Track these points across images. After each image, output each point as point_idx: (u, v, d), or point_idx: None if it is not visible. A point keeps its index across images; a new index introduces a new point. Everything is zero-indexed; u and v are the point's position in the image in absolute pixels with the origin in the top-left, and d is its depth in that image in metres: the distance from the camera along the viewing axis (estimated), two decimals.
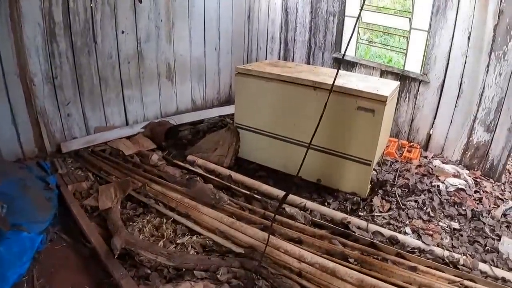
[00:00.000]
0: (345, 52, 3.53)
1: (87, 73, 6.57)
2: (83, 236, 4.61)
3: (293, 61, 8.62)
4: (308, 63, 8.38)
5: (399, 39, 8.19)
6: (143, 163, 6.02)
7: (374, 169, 5.88)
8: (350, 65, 7.68)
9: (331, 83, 5.02)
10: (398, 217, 5.05)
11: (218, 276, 3.84)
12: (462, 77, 6.35)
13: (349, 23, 7.68)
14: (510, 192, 5.88)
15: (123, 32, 6.80)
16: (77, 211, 4.86)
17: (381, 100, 4.82)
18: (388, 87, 5.13)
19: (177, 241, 4.48)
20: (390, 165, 6.30)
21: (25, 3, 5.65)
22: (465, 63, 6.25)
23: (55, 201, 5.05)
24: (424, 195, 5.53)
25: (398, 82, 5.79)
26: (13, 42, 5.66)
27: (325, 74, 5.61)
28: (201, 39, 8.10)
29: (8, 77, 5.73)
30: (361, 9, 5.37)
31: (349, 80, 5.41)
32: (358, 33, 7.87)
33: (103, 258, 4.16)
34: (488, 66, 5.94)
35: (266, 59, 8.98)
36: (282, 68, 5.87)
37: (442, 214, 5.18)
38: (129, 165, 5.95)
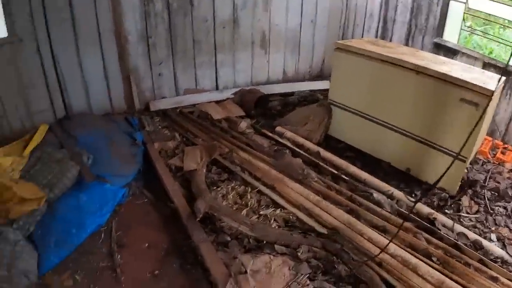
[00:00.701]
0: None
1: (181, 34, 6.45)
2: (165, 195, 4.51)
3: (391, 41, 8.13)
4: (406, 45, 7.86)
5: (499, 29, 7.43)
6: (230, 129, 5.83)
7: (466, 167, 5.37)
8: (451, 53, 7.06)
9: (435, 69, 4.65)
10: (484, 221, 4.53)
11: (299, 253, 3.63)
12: None
13: (454, 7, 7.09)
14: None
15: None
16: (161, 169, 4.77)
17: (487, 94, 4.25)
18: (493, 81, 4.56)
19: (260, 212, 4.26)
20: (482, 165, 5.70)
21: None
22: None
23: (140, 157, 5.03)
24: None
25: (504, 77, 5.19)
26: (110, 0, 5.65)
27: (428, 59, 5.09)
28: (298, 10, 7.76)
29: (104, 34, 5.77)
30: None
31: (453, 68, 4.89)
32: (464, 19, 7.25)
33: (184, 219, 4.03)
34: None
35: (362, 37, 8.56)
36: (383, 48, 5.44)
37: None
38: (217, 129, 5.78)
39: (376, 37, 8.36)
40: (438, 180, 3.20)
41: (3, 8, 5.18)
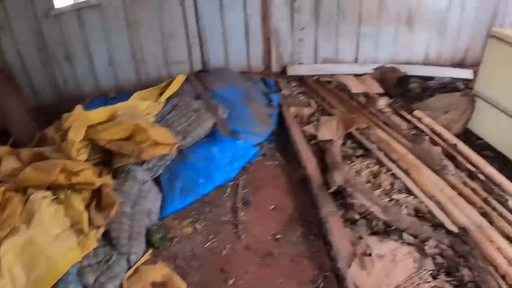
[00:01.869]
0: None
1: (327, 1, 6.19)
2: (296, 160, 4.36)
3: None
4: None
5: None
6: (368, 105, 5.53)
7: None
8: None
9: None
10: None
11: (426, 247, 3.32)
12: None
13: None
14: None
15: None
16: (296, 134, 4.62)
17: None
18: None
19: (393, 196, 3.95)
20: None
21: None
22: None
23: (275, 119, 4.95)
24: None
25: None
26: None
27: None
28: None
29: None
30: None
31: None
32: None
33: (314, 188, 3.84)
34: None
35: None
36: None
37: None
38: (354, 103, 5.50)
39: None
40: None
41: None
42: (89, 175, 3.86)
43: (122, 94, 5.64)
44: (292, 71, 6.21)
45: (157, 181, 4.17)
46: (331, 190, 3.74)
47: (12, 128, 5.11)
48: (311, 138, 4.70)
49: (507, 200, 3.97)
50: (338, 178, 3.77)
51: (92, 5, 5.50)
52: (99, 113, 4.52)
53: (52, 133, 4.72)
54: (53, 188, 3.88)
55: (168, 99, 5.13)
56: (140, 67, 5.94)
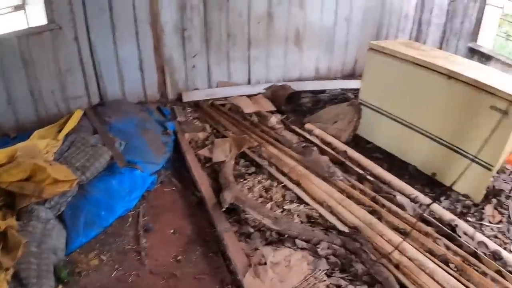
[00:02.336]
0: None
1: (216, 28, 6.54)
2: (193, 184, 4.62)
3: (424, 44, 8.05)
4: (440, 48, 7.77)
5: None
6: (260, 124, 5.88)
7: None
8: (486, 58, 6.97)
9: (467, 75, 4.56)
10: (506, 232, 4.42)
11: (318, 249, 3.66)
12: None
13: (490, 12, 6.98)
14: None
15: None
16: (191, 159, 4.87)
17: None
18: None
19: (284, 207, 4.32)
20: (509, 175, 5.59)
21: None
22: None
23: (171, 146, 5.15)
24: None
25: None
26: None
27: (462, 64, 5.01)
28: (333, 8, 7.70)
29: (140, 24, 5.93)
30: None
31: (486, 74, 4.82)
32: (499, 25, 7.12)
33: (209, 208, 4.13)
34: None
35: (397, 37, 8.50)
36: (417, 51, 5.37)
37: None
38: (247, 123, 5.85)
39: (410, 38, 8.31)
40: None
41: None
42: None
43: (23, 133, 5.65)
44: (187, 97, 6.45)
45: (60, 218, 4.24)
46: (223, 208, 4.03)
47: None
48: (206, 161, 4.97)
49: (395, 196, 4.41)
50: (228, 197, 4.06)
51: None
52: None
53: None
54: None
55: (67, 135, 5.17)
56: (39, 104, 5.91)
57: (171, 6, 6.08)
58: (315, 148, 5.33)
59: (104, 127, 5.30)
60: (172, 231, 4.13)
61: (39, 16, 5.65)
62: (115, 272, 3.77)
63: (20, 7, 5.81)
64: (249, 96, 6.71)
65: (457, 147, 4.76)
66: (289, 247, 3.71)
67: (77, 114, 5.59)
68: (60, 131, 5.34)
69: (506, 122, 4.21)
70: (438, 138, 4.87)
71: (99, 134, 5.14)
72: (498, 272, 3.68)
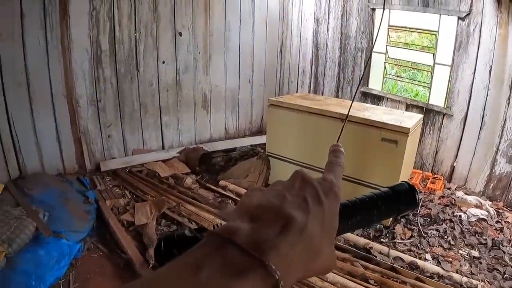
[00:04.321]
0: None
1: (128, 98, 6.92)
2: (118, 247, 4.83)
3: (322, 94, 8.78)
4: (337, 96, 8.49)
5: (426, 74, 8.35)
6: (177, 185, 6.23)
7: None
8: (377, 99, 7.83)
9: (358, 115, 5.32)
10: (419, 244, 5.12)
11: None
12: (484, 109, 6.41)
13: (377, 58, 7.95)
14: None
15: (163, 62, 7.15)
16: (114, 224, 5.08)
17: (404, 132, 4.97)
18: (411, 120, 5.29)
19: None
20: None
21: (74, 30, 6.12)
22: (487, 96, 6.34)
23: (93, 214, 5.33)
24: (446, 224, 5.54)
25: (421, 115, 5.93)
26: (63, 66, 6.12)
27: (352, 107, 5.79)
28: (235, 71, 8.40)
29: (56, 97, 6.17)
30: (372, 48, 5.58)
31: (374, 113, 5.59)
32: (385, 68, 8.06)
33: (137, 267, 4.37)
34: (509, 98, 6.03)
35: (297, 92, 9.17)
36: (312, 101, 6.08)
37: (463, 242, 5.20)
38: (164, 186, 6.18)
39: (309, 91, 9.08)
40: None
41: None
42: None
43: None
44: (105, 166, 6.68)
45: None
46: (151, 265, 4.33)
47: None
48: (129, 225, 5.21)
49: None
50: (153, 254, 4.33)
51: None
52: None
53: None
54: None
55: None
56: None
57: (85, 79, 6.39)
58: (230, 201, 5.77)
59: (26, 199, 5.42)
60: None
61: None
62: None
63: None
64: (164, 161, 7.07)
65: (359, 180, 5.41)
66: None
67: None
68: None
69: (397, 150, 5.05)
70: (349, 177, 5.44)
71: (21, 206, 5.26)
72: (418, 279, 4.27)
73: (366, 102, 7.64)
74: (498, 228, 5.62)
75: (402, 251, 4.92)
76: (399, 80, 9.43)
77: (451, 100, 6.90)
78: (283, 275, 0.58)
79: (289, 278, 0.60)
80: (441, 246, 5.12)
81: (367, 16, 7.82)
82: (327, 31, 8.65)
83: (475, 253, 5.00)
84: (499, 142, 6.31)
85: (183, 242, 0.77)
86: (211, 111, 8.15)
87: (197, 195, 5.93)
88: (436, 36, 7.06)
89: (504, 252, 5.03)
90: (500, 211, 6.12)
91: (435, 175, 7.13)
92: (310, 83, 9.26)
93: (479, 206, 6.03)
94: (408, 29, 7.82)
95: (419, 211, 5.82)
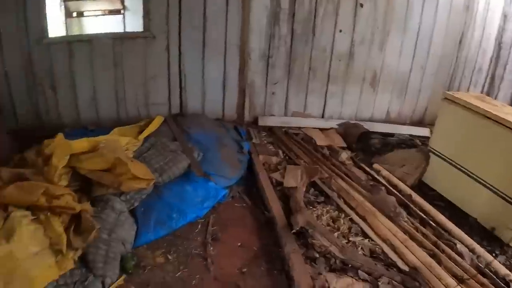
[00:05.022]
0: None
1: (299, 60, 6.71)
2: (263, 203, 4.71)
3: (496, 99, 7.93)
4: (511, 105, 7.70)
5: None
6: (331, 157, 5.95)
7: None
8: None
9: None
10: None
11: (379, 283, 3.65)
12: None
13: None
14: None
15: (340, 31, 6.83)
16: (263, 179, 4.95)
17: None
18: None
19: (350, 238, 4.31)
20: None
21: None
22: None
23: (245, 165, 5.27)
24: None
25: None
26: (241, 17, 6.14)
27: None
28: (410, 54, 7.68)
29: (229, 46, 6.22)
30: None
31: None
32: None
33: (278, 228, 4.18)
34: None
35: (468, 90, 8.45)
36: (489, 105, 5.37)
37: None
38: (318, 154, 5.91)
39: (482, 92, 8.25)
40: None
41: (143, 5, 5.76)
42: (69, 200, 4.05)
43: (101, 128, 5.91)
44: (262, 121, 6.61)
45: (132, 213, 4.41)
46: (294, 230, 4.05)
47: None
48: (277, 184, 5.03)
49: (455, 244, 4.37)
50: (300, 220, 4.08)
51: (83, 40, 5.89)
52: (82, 143, 4.78)
53: (32, 157, 4.89)
54: (32, 208, 4.01)
55: (146, 138, 5.43)
56: (121, 105, 6.24)
57: (260, 34, 6.32)
58: (383, 188, 5.36)
59: (184, 136, 5.49)
60: (239, 244, 4.18)
61: (136, 23, 6.00)
62: (179, 272, 3.84)
63: (117, 12, 6.18)
64: (321, 129, 6.83)
65: None
66: (351, 277, 3.70)
67: (158, 120, 5.84)
68: (140, 132, 5.58)
69: None
70: (501, 192, 4.77)
71: (178, 141, 5.34)
72: None
73: None
74: None
75: None
76: None
77: None
78: None
79: None
80: None
81: None
82: None
83: None
84: None
85: None
86: (378, 91, 7.68)
87: (349, 172, 5.59)
88: None
89: None
90: None
91: None
92: (484, 83, 8.31)
93: None
94: None
95: None
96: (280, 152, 5.86)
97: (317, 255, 3.96)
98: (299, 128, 6.68)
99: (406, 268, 3.93)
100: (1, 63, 5.66)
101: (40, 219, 3.92)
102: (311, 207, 4.70)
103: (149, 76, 6.15)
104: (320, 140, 6.34)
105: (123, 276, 3.80)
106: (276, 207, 4.47)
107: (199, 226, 4.42)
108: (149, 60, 6.06)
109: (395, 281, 3.73)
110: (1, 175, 4.31)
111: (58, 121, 6.19)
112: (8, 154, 5.24)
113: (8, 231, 3.67)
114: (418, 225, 4.73)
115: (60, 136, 4.87)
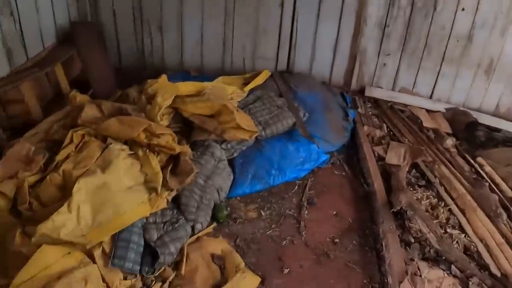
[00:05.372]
0: None
1: (416, 34, 6.32)
2: (363, 175, 4.54)
3: None
4: None
5: None
6: (435, 141, 5.67)
7: None
8: None
9: None
10: None
11: (470, 283, 3.44)
12: None
13: None
14: None
15: (463, 9, 6.41)
16: (367, 151, 4.76)
17: None
18: None
19: (447, 230, 4.07)
20: None
21: None
22: None
23: (349, 133, 5.10)
24: None
25: None
26: None
27: None
28: None
29: (345, 10, 5.98)
30: None
31: None
32: None
33: (377, 204, 4.00)
34: None
35: None
36: None
37: None
38: (423, 136, 5.63)
39: None
40: None
41: None
42: (170, 140, 4.07)
43: (204, 75, 5.95)
44: (369, 92, 6.33)
45: (230, 163, 4.40)
46: (394, 209, 3.89)
47: (93, 81, 5.43)
48: (378, 159, 4.84)
49: None
50: (403, 199, 3.91)
51: None
52: (188, 86, 4.82)
53: (134, 94, 5.01)
54: (131, 144, 4.10)
55: (252, 90, 5.37)
56: (227, 54, 6.23)
57: (379, 1, 6.02)
58: (487, 184, 5.07)
59: (290, 94, 5.39)
60: (334, 212, 4.06)
61: None
62: (270, 230, 3.81)
63: None
64: (427, 111, 6.52)
65: None
66: (443, 270, 3.53)
67: (265, 74, 5.76)
68: (245, 84, 5.53)
69: None
70: None
71: (284, 98, 5.23)
72: None
73: None
74: None
75: None
76: None
77: None
78: None
79: None
80: None
81: None
82: None
83: None
84: None
85: None
86: (492, 80, 7.23)
87: (453, 160, 5.31)
88: None
89: None
90: None
91: None
92: None
93: None
94: None
95: None
96: (384, 126, 5.63)
97: (412, 240, 3.79)
98: (405, 105, 6.38)
99: (497, 273, 3.70)
100: (110, 1, 5.77)
101: (138, 155, 3.97)
102: (411, 189, 4.47)
103: (260, 29, 6.07)
104: (427, 122, 6.03)
105: (214, 224, 3.83)
106: (377, 182, 4.29)
107: (296, 188, 4.35)
108: (262, 13, 5.97)
109: (485, 284, 3.52)
110: (102, 108, 4.44)
111: (161, 63, 6.29)
112: (111, 89, 5.42)
113: (105, 162, 3.74)
114: None
115: (164, 77, 4.98)
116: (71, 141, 3.97)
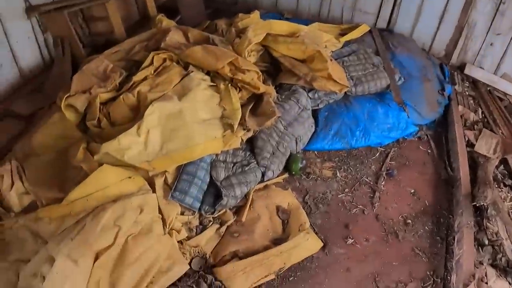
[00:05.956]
0: None
1: None
2: (448, 158, 4.20)
3: None
4: None
5: None
6: None
7: None
8: None
9: None
10: None
11: None
12: None
13: None
14: None
15: None
16: (458, 133, 4.38)
17: None
18: None
19: None
20: None
21: None
22: None
23: (442, 109, 4.72)
24: None
25: None
26: None
27: None
28: None
29: None
30: None
31: None
32: None
33: (458, 193, 3.68)
34: None
35: None
36: None
37: None
38: None
39: None
40: None
41: None
42: (255, 78, 3.89)
43: (298, 19, 5.67)
44: (469, 70, 5.82)
45: (314, 114, 4.18)
46: (477, 203, 3.55)
47: (182, 6, 5.33)
48: (467, 144, 4.47)
49: None
50: (489, 196, 3.57)
51: None
52: (282, 26, 4.52)
53: (223, 26, 4.83)
54: (213, 75, 3.94)
55: (347, 42, 5.06)
56: (325, 1, 5.92)
57: None
58: None
59: (388, 54, 5.03)
60: (412, 191, 3.79)
61: None
62: (342, 194, 3.63)
63: None
64: None
65: None
66: (510, 283, 3.21)
67: (363, 28, 5.44)
68: (342, 35, 5.22)
69: None
70: None
71: (381, 57, 4.89)
72: None
73: None
74: None
75: None
76: None
77: None
78: None
79: None
80: None
81: None
82: None
83: None
84: None
85: None
86: None
87: None
88: None
89: None
90: None
91: None
92: None
93: None
94: None
95: None
96: (480, 111, 5.18)
97: (486, 242, 3.47)
98: (505, 94, 5.88)
99: None
100: None
101: (219, 87, 3.81)
102: (496, 186, 4.09)
103: None
104: None
105: (285, 175, 3.68)
106: (464, 169, 3.94)
107: (377, 155, 4.11)
108: None
109: None
110: (189, 35, 4.28)
111: (253, 0, 6.12)
112: (199, 18, 5.34)
113: (183, 90, 3.61)
114: None
115: (256, 13, 4.85)
116: (151, 63, 3.85)
